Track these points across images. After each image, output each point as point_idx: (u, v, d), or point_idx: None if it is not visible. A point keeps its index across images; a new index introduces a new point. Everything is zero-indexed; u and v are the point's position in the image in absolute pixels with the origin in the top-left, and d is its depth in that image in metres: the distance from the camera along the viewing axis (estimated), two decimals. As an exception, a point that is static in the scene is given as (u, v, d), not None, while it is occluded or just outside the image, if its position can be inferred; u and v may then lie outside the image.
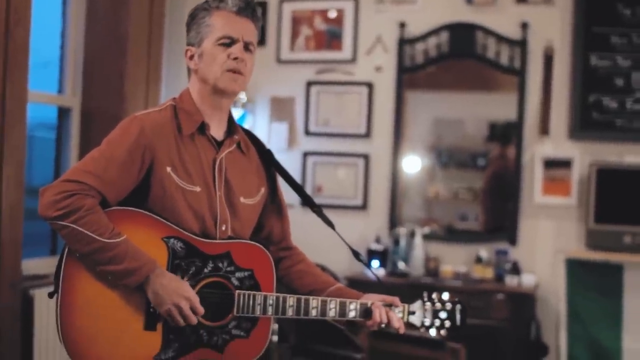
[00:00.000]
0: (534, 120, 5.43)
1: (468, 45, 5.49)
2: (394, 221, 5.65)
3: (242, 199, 2.49)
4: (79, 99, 5.38)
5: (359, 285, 5.04)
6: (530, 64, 5.43)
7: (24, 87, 4.32)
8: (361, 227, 5.71)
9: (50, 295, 2.33)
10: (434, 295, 2.57)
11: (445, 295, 2.58)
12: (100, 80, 5.33)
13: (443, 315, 2.55)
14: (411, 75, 5.73)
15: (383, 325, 2.50)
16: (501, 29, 5.46)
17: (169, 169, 2.36)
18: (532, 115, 5.44)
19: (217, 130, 2.49)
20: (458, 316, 2.56)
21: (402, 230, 5.53)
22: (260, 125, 5.93)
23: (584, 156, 5.30)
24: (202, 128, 2.44)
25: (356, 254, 2.68)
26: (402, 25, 5.63)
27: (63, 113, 5.40)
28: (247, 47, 2.43)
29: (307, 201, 2.71)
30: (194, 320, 2.32)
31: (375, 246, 5.53)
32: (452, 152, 5.78)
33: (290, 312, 2.42)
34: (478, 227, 5.70)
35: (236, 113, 5.76)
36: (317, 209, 2.69)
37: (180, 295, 2.29)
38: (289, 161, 5.82)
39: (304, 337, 3.96)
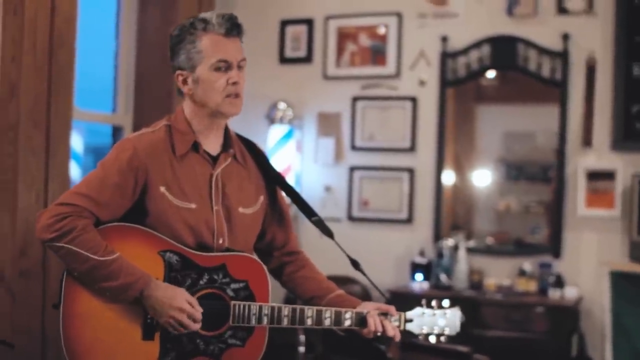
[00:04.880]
0: (577, 131, 5.39)
1: (510, 57, 5.47)
2: (438, 234, 5.66)
3: (241, 209, 2.57)
4: (131, 117, 5.57)
5: (402, 298, 5.13)
6: (571, 75, 5.39)
7: (68, 107, 4.50)
8: (407, 241, 5.73)
9: (55, 306, 2.46)
10: (433, 303, 2.63)
11: (445, 302, 2.63)
12: (151, 98, 5.52)
13: (442, 322, 2.60)
14: (478, 88, 5.81)
15: (379, 334, 2.57)
16: (542, 40, 5.43)
17: (162, 188, 2.45)
18: (574, 127, 5.40)
19: (213, 145, 2.58)
20: (457, 322, 2.61)
21: (446, 244, 5.53)
22: (308, 140, 6.01)
23: (627, 167, 5.22)
24: (196, 147, 2.53)
25: (355, 264, 2.75)
26: (445, 39, 5.66)
27: (116, 131, 5.60)
28: (239, 65, 2.50)
29: (304, 209, 2.75)
30: (193, 328, 2.41)
31: (419, 259, 5.53)
32: (522, 165, 5.75)
33: (285, 322, 2.49)
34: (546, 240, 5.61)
35: (282, 129, 5.87)
36: (316, 219, 2.75)
37: (176, 307, 2.37)
38: (335, 176, 5.91)
39: (331, 347, 4.02)
